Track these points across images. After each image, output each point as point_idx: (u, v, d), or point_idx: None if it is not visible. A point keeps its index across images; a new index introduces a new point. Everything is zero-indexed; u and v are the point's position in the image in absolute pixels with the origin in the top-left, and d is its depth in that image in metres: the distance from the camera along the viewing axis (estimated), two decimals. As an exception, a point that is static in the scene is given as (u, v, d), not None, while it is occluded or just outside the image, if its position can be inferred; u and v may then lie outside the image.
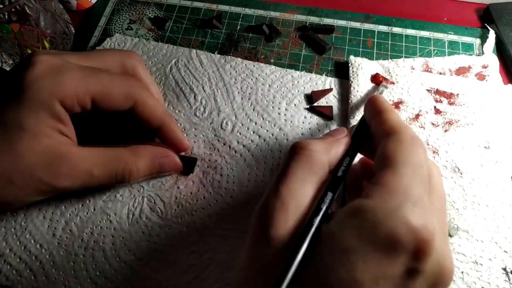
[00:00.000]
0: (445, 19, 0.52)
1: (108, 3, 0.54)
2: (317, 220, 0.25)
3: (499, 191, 0.38)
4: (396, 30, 0.50)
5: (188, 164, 0.39)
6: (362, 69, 0.44)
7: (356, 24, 0.51)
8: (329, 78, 0.45)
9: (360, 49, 0.49)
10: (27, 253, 0.36)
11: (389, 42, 0.49)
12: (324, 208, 0.25)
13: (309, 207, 0.26)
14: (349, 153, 0.30)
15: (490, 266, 0.35)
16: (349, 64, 0.45)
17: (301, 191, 0.26)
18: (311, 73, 0.46)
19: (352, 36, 0.50)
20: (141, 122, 0.36)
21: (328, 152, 0.28)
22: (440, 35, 0.49)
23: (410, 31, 0.50)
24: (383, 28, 0.50)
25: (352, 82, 0.44)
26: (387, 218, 0.22)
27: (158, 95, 0.39)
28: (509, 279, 0.34)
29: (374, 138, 0.30)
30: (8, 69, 0.45)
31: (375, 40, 0.49)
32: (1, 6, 0.42)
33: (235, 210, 0.38)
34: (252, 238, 0.26)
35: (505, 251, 0.35)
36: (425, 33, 0.50)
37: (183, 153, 0.40)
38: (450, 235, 0.36)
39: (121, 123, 0.38)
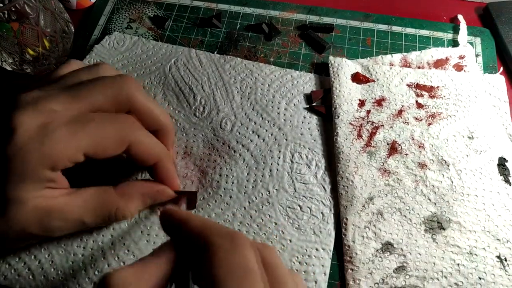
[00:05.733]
0: (445, 18, 0.52)
1: (108, 2, 0.54)
2: None
3: (487, 180, 0.38)
4: (396, 28, 0.50)
5: (190, 199, 0.38)
6: (342, 69, 0.44)
7: (356, 23, 0.51)
8: (329, 78, 0.45)
9: (360, 48, 0.49)
10: (26, 252, 0.36)
11: (389, 40, 0.49)
12: None
13: None
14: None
15: (484, 255, 0.35)
16: (329, 65, 0.45)
17: None
18: (311, 72, 0.46)
19: (351, 35, 0.50)
20: (135, 161, 0.34)
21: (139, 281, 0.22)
22: (439, 34, 0.49)
23: (410, 30, 0.50)
24: (383, 26, 0.50)
25: (333, 82, 0.44)
26: None
27: (163, 116, 0.36)
28: (504, 267, 0.35)
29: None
30: (8, 68, 0.45)
31: (375, 39, 0.49)
32: (1, 5, 0.42)
33: (234, 211, 0.38)
34: None
35: (497, 239, 0.36)
36: (424, 32, 0.50)
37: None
38: (443, 228, 0.36)
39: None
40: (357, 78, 0.44)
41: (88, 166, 0.37)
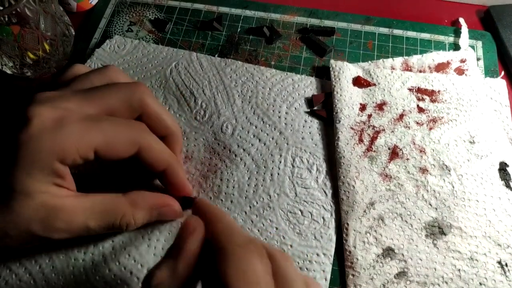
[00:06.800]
0: (446, 21, 0.52)
1: (108, 4, 0.54)
2: None
3: (488, 185, 0.38)
4: (397, 32, 0.50)
5: (185, 203, 0.37)
6: (344, 73, 0.44)
7: (357, 26, 0.51)
8: (330, 82, 0.45)
9: (361, 51, 0.48)
10: (27, 257, 0.36)
11: (390, 44, 0.49)
12: None
13: None
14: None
15: (485, 261, 0.35)
16: (330, 69, 0.45)
17: None
18: (312, 75, 0.46)
19: (352, 38, 0.50)
20: (145, 166, 0.34)
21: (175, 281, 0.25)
22: (440, 37, 0.49)
23: (411, 33, 0.50)
24: (384, 30, 0.50)
25: (334, 86, 0.44)
26: None
27: (173, 123, 0.36)
28: (504, 272, 0.35)
29: None
30: (8, 71, 0.45)
31: (376, 42, 0.49)
32: (1, 8, 0.42)
33: (235, 215, 0.38)
34: None
35: (498, 245, 0.36)
36: (425, 35, 0.50)
37: None
38: (444, 233, 0.36)
39: (124, 164, 0.37)
40: (358, 82, 0.44)
41: (98, 173, 0.38)
